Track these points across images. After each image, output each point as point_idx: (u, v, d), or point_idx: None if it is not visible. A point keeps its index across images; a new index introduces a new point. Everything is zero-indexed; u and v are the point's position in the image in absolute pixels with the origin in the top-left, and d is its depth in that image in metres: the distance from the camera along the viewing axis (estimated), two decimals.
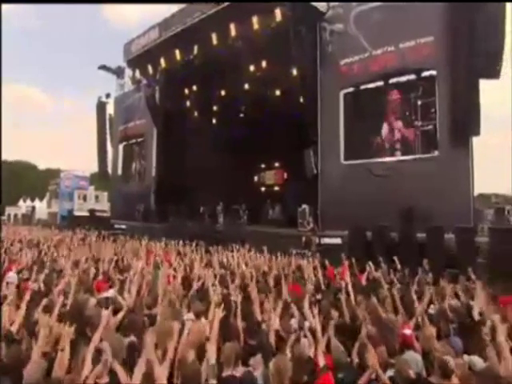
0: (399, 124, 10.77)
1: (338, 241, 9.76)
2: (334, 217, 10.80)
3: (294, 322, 3.03)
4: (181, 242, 9.30)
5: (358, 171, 11.12)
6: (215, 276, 4.70)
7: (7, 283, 4.56)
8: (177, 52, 13.76)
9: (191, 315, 3.05)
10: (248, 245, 9.94)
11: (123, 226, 16.99)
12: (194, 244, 8.55)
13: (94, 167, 23.47)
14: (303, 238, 10.11)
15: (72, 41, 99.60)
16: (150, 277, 4.51)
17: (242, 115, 18.55)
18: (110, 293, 4.14)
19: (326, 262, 6.43)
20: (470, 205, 9.34)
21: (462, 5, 9.54)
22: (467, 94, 9.16)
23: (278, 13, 11.00)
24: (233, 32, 11.99)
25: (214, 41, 12.57)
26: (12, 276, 4.88)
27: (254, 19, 11.35)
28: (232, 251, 8.00)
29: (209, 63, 13.89)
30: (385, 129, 11.01)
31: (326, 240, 9.97)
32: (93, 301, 3.52)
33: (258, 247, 9.97)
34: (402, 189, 9.85)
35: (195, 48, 13.18)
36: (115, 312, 3.20)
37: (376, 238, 9.04)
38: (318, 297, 4.04)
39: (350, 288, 3.96)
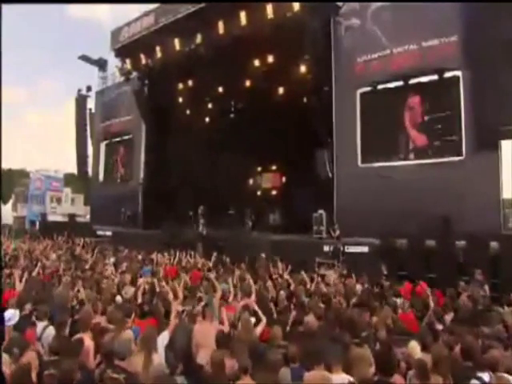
0: (421, 126, 10.26)
1: (365, 249, 9.02)
2: (351, 223, 10.08)
3: None
4: (196, 257, 8.08)
5: (376, 175, 10.47)
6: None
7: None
8: (176, 41, 12.47)
9: None
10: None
11: (108, 233, 15.29)
12: (213, 256, 7.41)
13: (68, 167, 21.29)
14: (327, 247, 9.26)
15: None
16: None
17: (238, 115, 17.48)
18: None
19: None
20: (499, 210, 8.96)
21: (487, 5, 9.21)
22: (495, 96, 8.79)
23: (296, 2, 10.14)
24: (243, 21, 10.95)
25: (221, 30, 11.45)
26: (11, 315, 3.44)
27: (269, 8, 10.39)
28: (267, 265, 6.93)
29: (210, 55, 12.72)
30: (406, 131, 10.47)
31: (352, 249, 9.18)
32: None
33: (271, 256, 9.12)
34: (425, 194, 9.30)
35: (198, 36, 11.96)
36: None
37: (411, 247, 8.38)
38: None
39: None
